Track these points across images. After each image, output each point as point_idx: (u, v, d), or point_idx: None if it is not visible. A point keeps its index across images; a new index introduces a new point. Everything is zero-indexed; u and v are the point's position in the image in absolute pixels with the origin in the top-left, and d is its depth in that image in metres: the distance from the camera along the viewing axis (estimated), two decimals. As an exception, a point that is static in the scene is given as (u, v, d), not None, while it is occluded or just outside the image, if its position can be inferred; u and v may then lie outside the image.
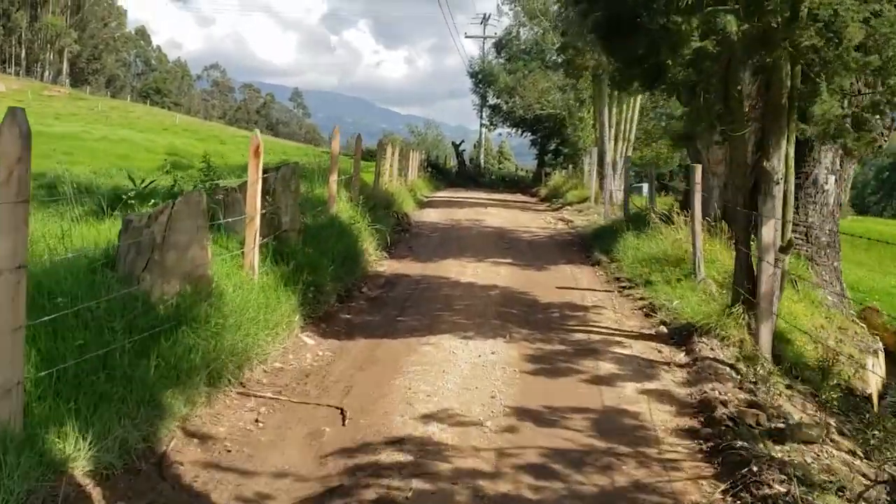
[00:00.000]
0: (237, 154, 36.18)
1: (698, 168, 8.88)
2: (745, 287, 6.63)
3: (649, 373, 6.04)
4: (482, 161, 49.75)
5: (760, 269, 6.22)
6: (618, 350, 6.68)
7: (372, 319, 7.61)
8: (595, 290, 9.57)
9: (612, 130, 21.19)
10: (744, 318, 6.57)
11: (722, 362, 6.08)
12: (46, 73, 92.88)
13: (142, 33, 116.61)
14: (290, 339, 6.40)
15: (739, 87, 6.47)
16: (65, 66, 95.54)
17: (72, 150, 31.74)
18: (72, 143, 34.53)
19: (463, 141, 46.71)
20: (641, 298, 8.75)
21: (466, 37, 49.57)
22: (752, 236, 6.62)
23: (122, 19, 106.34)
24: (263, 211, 6.93)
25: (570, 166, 30.74)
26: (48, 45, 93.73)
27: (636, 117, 22.04)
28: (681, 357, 6.49)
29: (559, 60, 21.19)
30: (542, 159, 41.18)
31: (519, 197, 32.16)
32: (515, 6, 38.51)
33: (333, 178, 10.68)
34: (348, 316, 7.71)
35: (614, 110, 21.11)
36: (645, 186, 36.92)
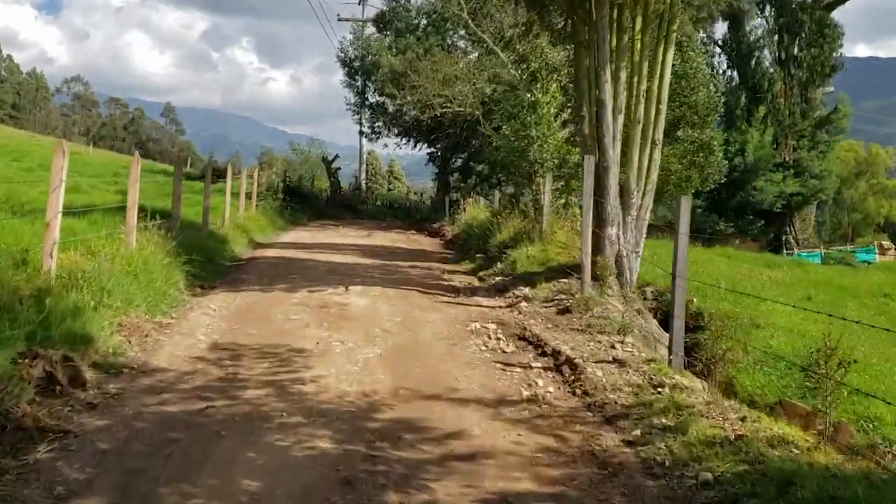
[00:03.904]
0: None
1: None
2: None
3: None
4: (364, 183, 37.57)
5: None
6: None
7: None
8: None
9: (621, 117, 9.45)
10: None
11: None
12: None
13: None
14: None
15: None
16: None
17: None
18: None
19: (337, 156, 34.22)
20: None
21: (339, 19, 37.36)
22: None
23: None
24: None
25: (499, 194, 19.04)
26: None
27: (666, 85, 10.14)
28: None
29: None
30: (446, 181, 29.28)
31: (413, 239, 20.29)
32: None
33: None
34: None
35: (622, 74, 9.37)
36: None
